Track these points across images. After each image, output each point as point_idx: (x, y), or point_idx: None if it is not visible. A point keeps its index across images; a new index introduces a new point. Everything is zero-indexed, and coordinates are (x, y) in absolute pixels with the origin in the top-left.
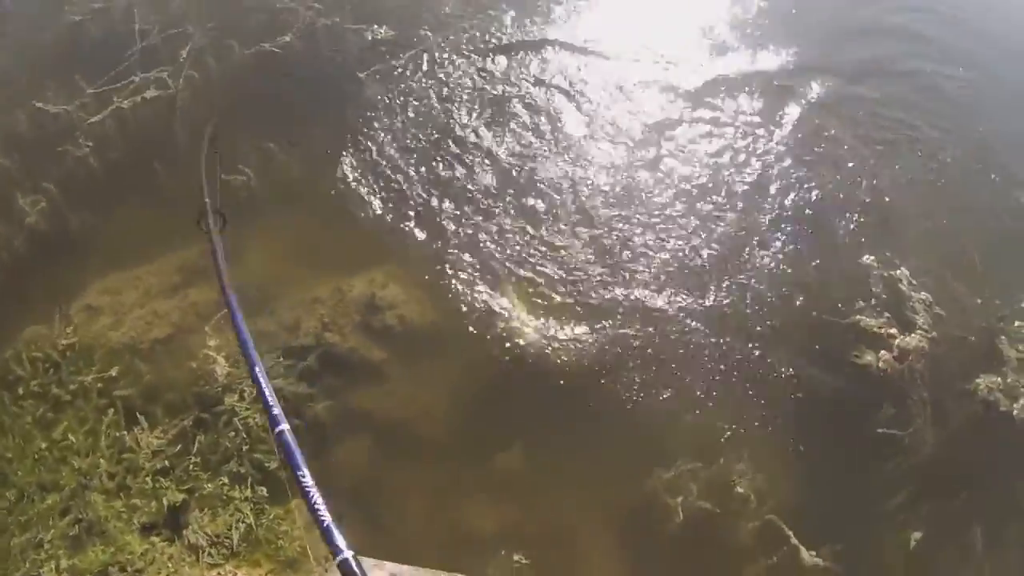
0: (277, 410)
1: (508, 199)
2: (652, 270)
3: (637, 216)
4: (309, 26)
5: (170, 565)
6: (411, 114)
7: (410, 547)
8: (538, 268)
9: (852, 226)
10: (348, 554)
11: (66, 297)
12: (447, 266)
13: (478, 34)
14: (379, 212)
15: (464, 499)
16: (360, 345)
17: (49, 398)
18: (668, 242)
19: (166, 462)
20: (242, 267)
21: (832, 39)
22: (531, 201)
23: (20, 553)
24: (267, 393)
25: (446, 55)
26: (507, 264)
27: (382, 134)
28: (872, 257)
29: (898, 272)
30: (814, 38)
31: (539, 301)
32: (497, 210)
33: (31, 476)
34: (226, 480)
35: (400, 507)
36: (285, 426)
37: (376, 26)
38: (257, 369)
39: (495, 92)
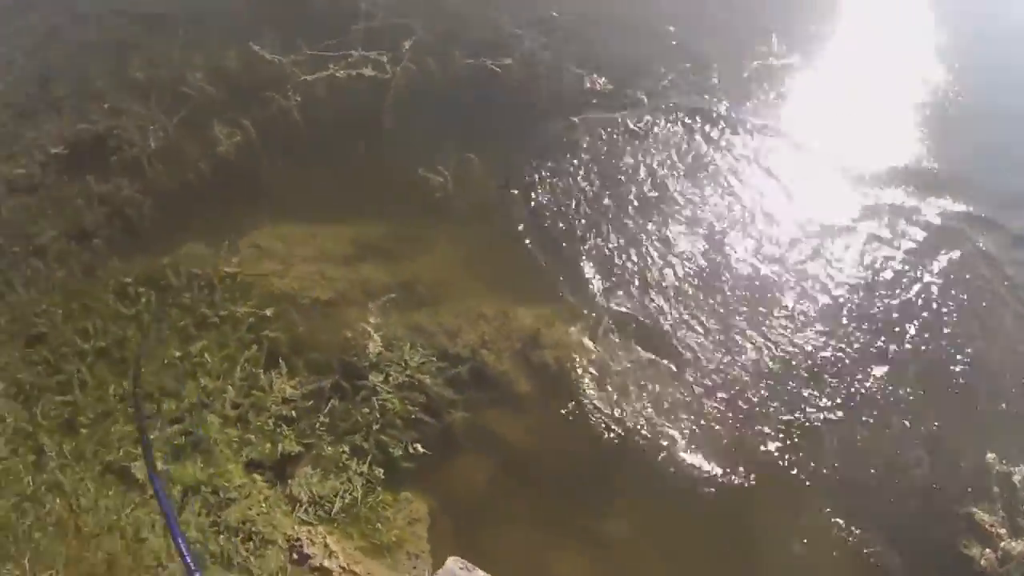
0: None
1: (685, 270)
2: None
3: (754, 323)
4: (531, 56)
5: (263, 506)
6: (612, 167)
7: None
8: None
9: (989, 404)
10: None
11: (237, 230)
12: (613, 328)
13: (690, 106)
14: (562, 253)
15: (562, 546)
16: (512, 372)
17: (196, 315)
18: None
19: (293, 412)
20: (421, 262)
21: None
22: (690, 283)
23: (118, 439)
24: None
25: (657, 120)
26: (672, 341)
27: (580, 179)
28: (997, 450)
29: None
30: (1002, 190)
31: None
32: (668, 280)
33: (154, 378)
34: (347, 450)
35: (501, 532)
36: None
37: (596, 75)
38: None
39: (693, 163)
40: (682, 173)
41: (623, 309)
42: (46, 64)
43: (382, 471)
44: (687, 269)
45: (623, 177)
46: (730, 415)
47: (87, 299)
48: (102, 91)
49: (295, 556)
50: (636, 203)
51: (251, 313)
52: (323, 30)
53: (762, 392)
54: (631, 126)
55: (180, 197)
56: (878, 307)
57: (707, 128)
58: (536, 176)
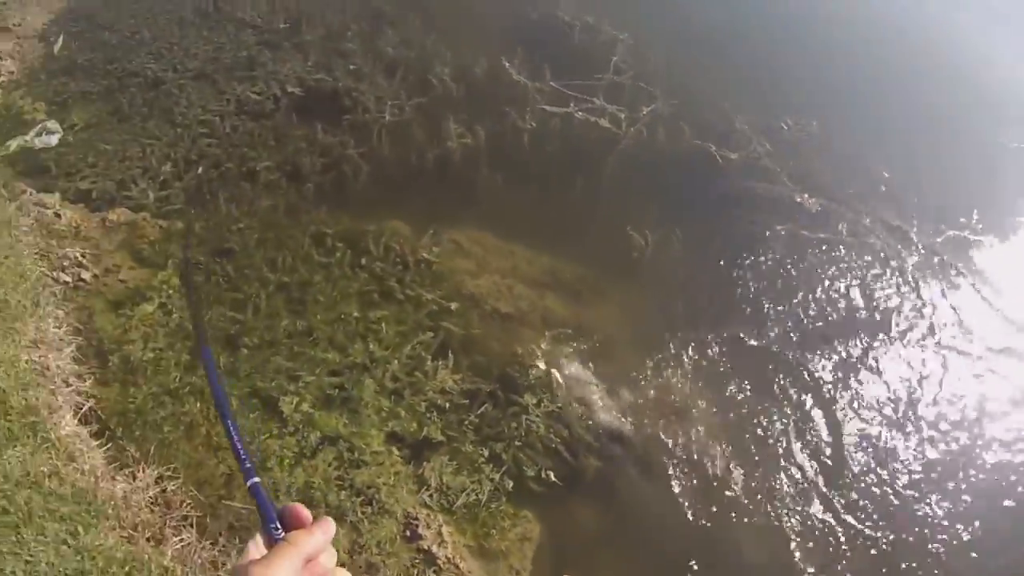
0: (249, 464)
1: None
2: None
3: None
4: (753, 157)
5: (392, 479)
6: (804, 282)
7: None
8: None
9: None
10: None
11: (442, 223)
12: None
13: (881, 251)
14: (737, 347)
15: None
16: (653, 442)
17: (384, 285)
18: None
19: (446, 403)
20: (601, 312)
21: None
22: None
23: (275, 371)
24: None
25: (851, 252)
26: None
27: (764, 288)
28: None
29: None
30: None
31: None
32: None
33: (327, 328)
34: (485, 454)
35: None
36: (257, 479)
37: (807, 194)
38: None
39: (871, 298)
40: (859, 305)
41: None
42: (297, 6)
43: (511, 484)
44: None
45: (809, 301)
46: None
47: (284, 234)
48: (349, 51)
49: (408, 533)
50: (814, 319)
51: (436, 301)
52: (573, 69)
53: None
54: (827, 250)
55: (397, 175)
56: None
57: (893, 275)
58: (731, 272)
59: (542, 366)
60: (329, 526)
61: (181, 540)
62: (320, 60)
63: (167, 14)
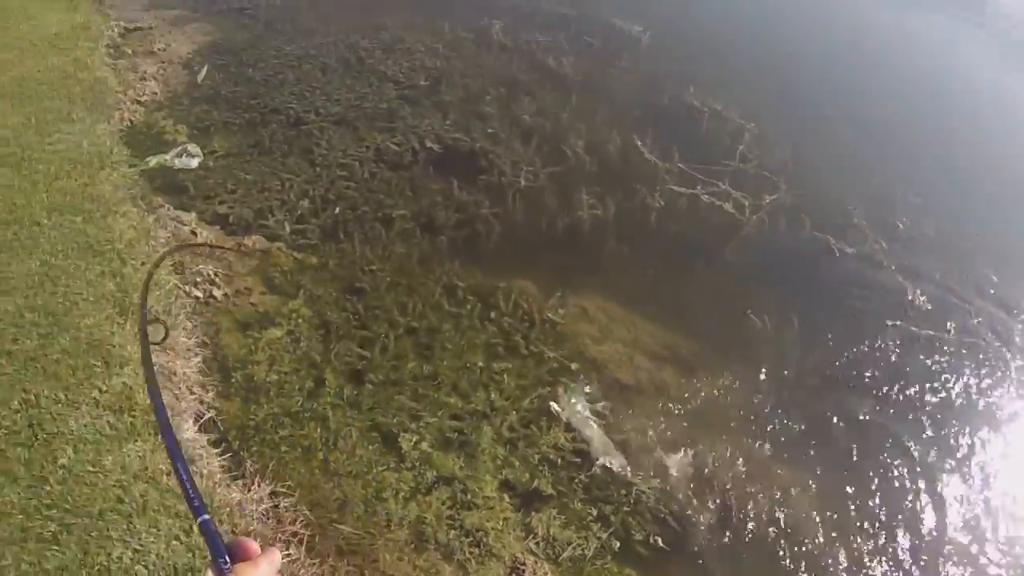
0: (198, 502)
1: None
2: None
3: None
4: (869, 254)
5: (501, 524)
6: (910, 379)
7: None
8: None
9: None
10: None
11: (568, 286)
12: None
13: (991, 355)
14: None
15: None
16: (765, 520)
17: (510, 340)
18: None
19: (559, 459)
20: (716, 390)
21: None
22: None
23: (397, 409)
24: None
25: (961, 353)
26: None
27: (875, 376)
28: None
29: None
30: None
31: None
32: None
33: (452, 374)
34: (594, 513)
35: None
36: (207, 516)
37: (919, 291)
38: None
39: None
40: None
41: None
42: (442, 67)
43: (618, 544)
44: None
45: (919, 386)
46: None
47: (416, 282)
48: (487, 115)
49: None
50: (922, 408)
51: (558, 360)
52: (700, 153)
53: None
54: (937, 346)
55: (528, 237)
56: None
57: (1000, 374)
58: (842, 359)
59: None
60: (274, 556)
61: (289, 555)
62: (459, 120)
63: (311, 60)
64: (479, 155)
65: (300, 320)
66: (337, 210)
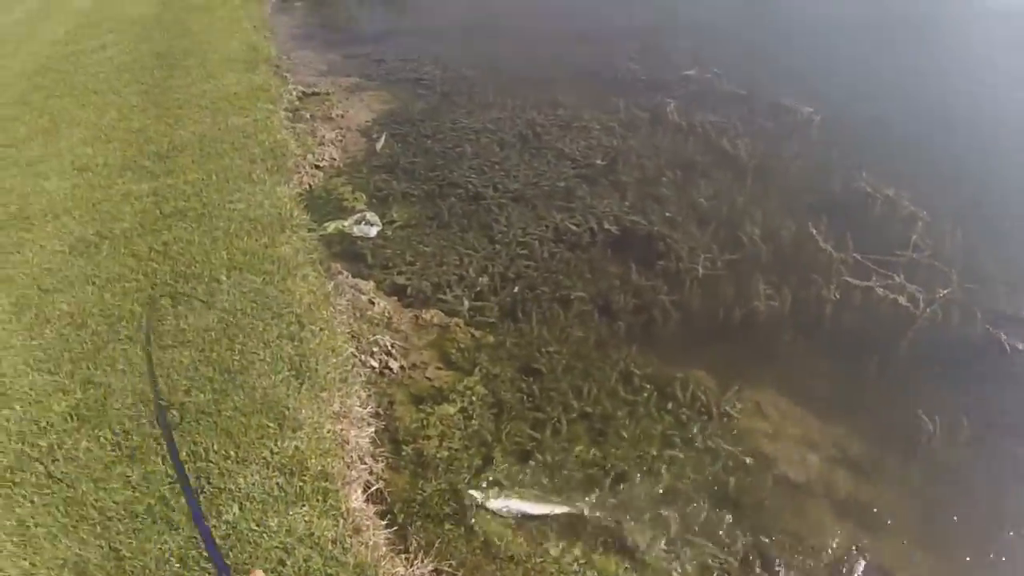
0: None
1: None
2: None
3: None
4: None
5: None
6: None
7: None
8: None
9: None
10: None
11: (743, 380)
12: None
13: None
14: None
15: None
16: None
17: (685, 431)
18: None
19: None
20: (892, 497)
21: None
22: None
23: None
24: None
25: None
26: None
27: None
28: None
29: None
30: None
31: None
32: None
33: (621, 462)
34: None
35: None
36: None
37: None
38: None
39: None
40: None
41: None
42: (618, 147)
43: None
44: None
45: None
46: None
47: (592, 366)
48: (664, 197)
49: None
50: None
51: (732, 456)
52: (874, 241)
53: None
54: None
55: (704, 326)
56: None
57: None
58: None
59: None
60: None
61: None
62: (636, 202)
63: (489, 134)
64: (657, 239)
65: (474, 398)
66: (516, 289)
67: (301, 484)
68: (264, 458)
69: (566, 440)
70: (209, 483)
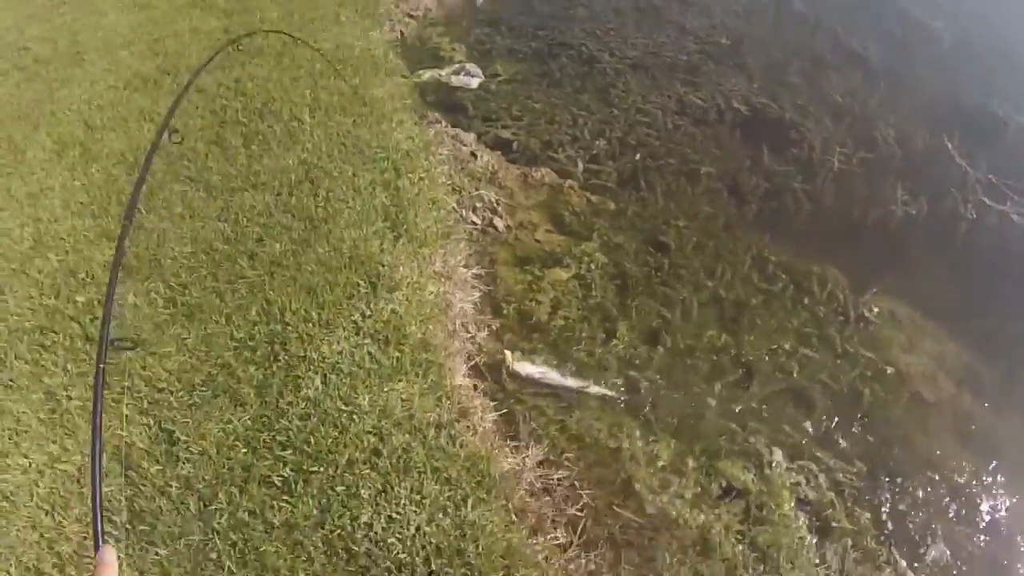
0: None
1: None
2: None
3: None
4: None
5: (795, 544)
6: None
7: None
8: None
9: None
10: None
11: (879, 284)
12: None
13: None
14: None
15: None
16: None
17: (823, 330)
18: None
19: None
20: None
21: None
22: None
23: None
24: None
25: None
26: None
27: None
28: None
29: None
30: None
31: None
32: None
33: (754, 352)
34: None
35: None
36: None
37: None
38: None
39: None
40: None
41: None
42: (743, 29)
43: None
44: None
45: None
46: None
47: (723, 248)
48: (794, 85)
49: None
50: None
51: (871, 364)
52: (1009, 167)
53: None
54: None
55: (838, 223)
56: None
57: None
58: None
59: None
60: None
61: (556, 539)
62: (764, 86)
63: (603, 1)
64: (788, 126)
65: (592, 265)
66: (638, 156)
67: (398, 355)
68: (354, 322)
69: (697, 324)
70: (286, 350)
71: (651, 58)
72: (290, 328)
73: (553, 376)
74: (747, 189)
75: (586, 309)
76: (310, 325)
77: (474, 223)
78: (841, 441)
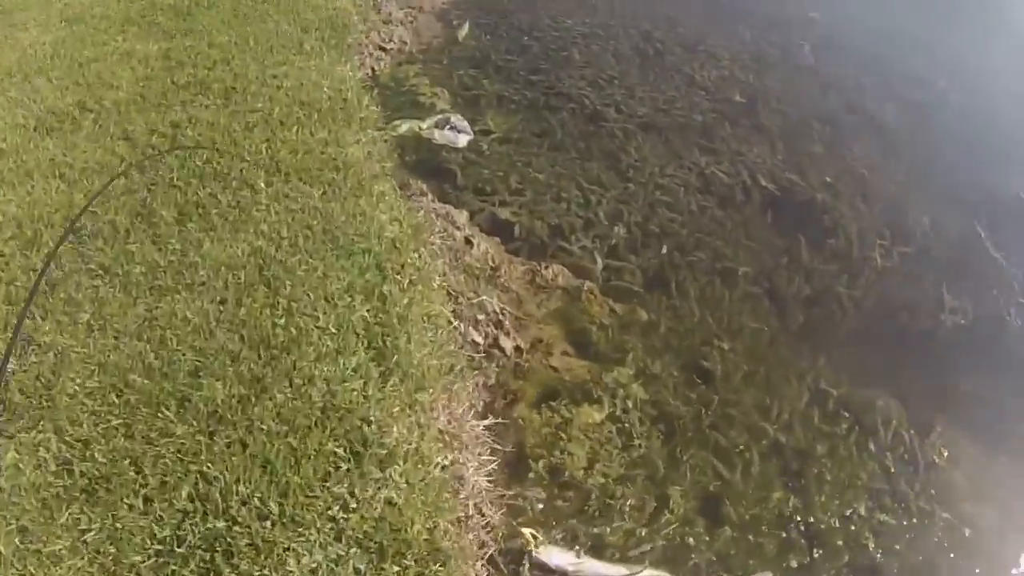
0: None
1: None
2: None
3: None
4: None
5: None
6: None
7: None
8: None
9: None
10: None
11: (941, 418)
12: None
13: None
14: None
15: None
16: None
17: (894, 484)
18: None
19: None
20: None
21: None
22: None
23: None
24: None
25: None
26: None
27: None
28: None
29: None
30: None
31: None
32: None
33: (826, 519)
34: None
35: None
36: None
37: None
38: None
39: None
40: None
41: None
42: (755, 85)
43: None
44: None
45: None
46: None
47: (774, 374)
48: (817, 156)
49: None
50: None
51: (949, 526)
52: None
53: None
54: None
55: (883, 332)
56: None
57: None
58: None
59: None
60: None
61: None
62: (788, 158)
63: (599, 41)
64: (819, 210)
65: (630, 403)
66: (664, 250)
67: (397, 572)
68: (332, 518)
69: (759, 484)
70: (232, 566)
71: (662, 116)
72: (238, 527)
73: (591, 568)
74: (788, 293)
75: (627, 464)
76: (268, 524)
77: (475, 343)
78: None
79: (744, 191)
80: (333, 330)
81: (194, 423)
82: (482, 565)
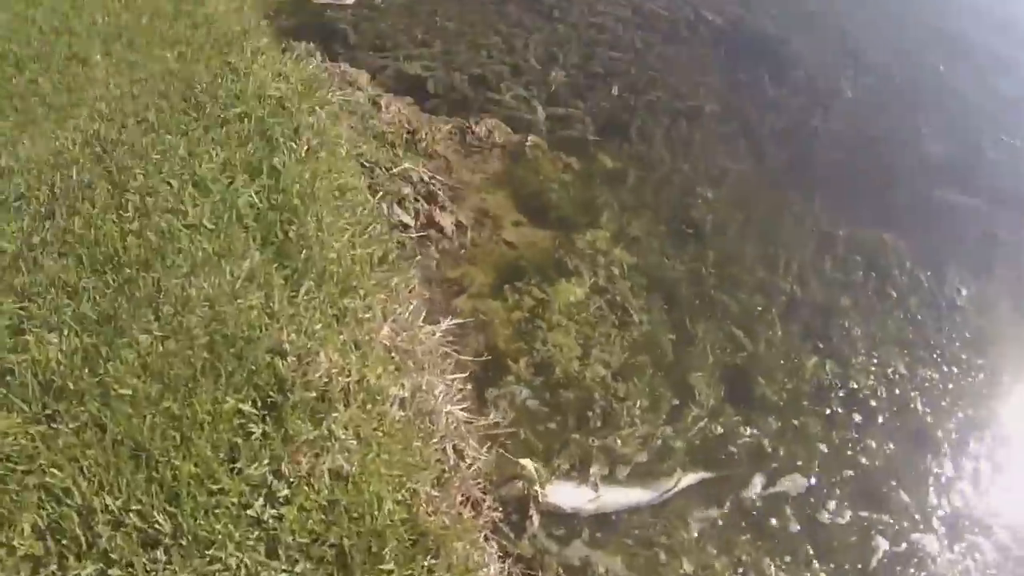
0: None
1: None
2: None
3: None
4: None
5: None
6: None
7: None
8: None
9: None
10: None
11: (953, 261)
12: None
13: None
14: None
15: None
16: None
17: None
18: None
19: None
20: None
21: None
22: None
23: None
24: None
25: None
26: None
27: None
28: None
29: None
30: None
31: None
32: None
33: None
34: None
35: None
36: None
37: None
38: None
39: None
40: None
41: None
42: None
43: None
44: None
45: None
46: None
47: (768, 223)
48: None
49: None
50: None
51: (984, 370)
52: None
53: None
54: None
55: (871, 167)
56: None
57: None
58: None
59: None
60: None
61: None
62: None
63: None
64: (775, 41)
65: (614, 269)
66: (615, 91)
67: None
68: (253, 522)
69: (784, 351)
70: None
71: None
72: (116, 571)
73: (614, 498)
74: (762, 134)
75: (630, 347)
76: (159, 554)
77: (404, 225)
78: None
79: (689, 26)
80: (210, 226)
81: (24, 407)
82: (486, 538)
